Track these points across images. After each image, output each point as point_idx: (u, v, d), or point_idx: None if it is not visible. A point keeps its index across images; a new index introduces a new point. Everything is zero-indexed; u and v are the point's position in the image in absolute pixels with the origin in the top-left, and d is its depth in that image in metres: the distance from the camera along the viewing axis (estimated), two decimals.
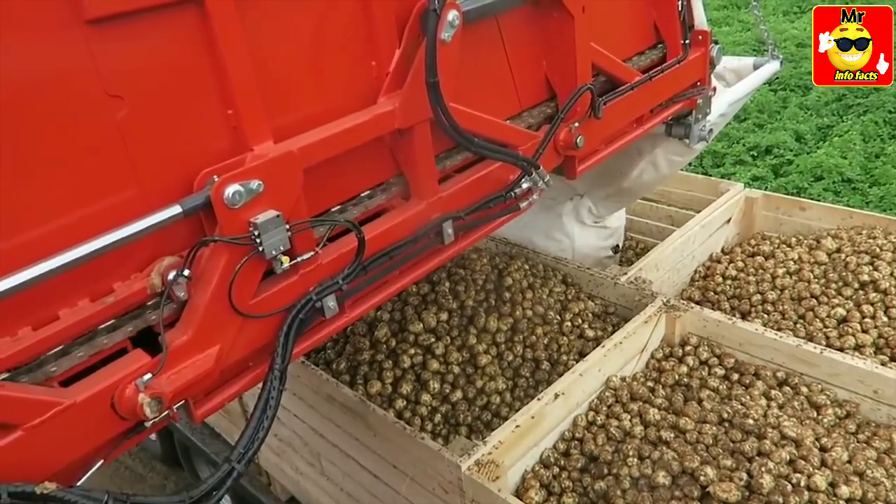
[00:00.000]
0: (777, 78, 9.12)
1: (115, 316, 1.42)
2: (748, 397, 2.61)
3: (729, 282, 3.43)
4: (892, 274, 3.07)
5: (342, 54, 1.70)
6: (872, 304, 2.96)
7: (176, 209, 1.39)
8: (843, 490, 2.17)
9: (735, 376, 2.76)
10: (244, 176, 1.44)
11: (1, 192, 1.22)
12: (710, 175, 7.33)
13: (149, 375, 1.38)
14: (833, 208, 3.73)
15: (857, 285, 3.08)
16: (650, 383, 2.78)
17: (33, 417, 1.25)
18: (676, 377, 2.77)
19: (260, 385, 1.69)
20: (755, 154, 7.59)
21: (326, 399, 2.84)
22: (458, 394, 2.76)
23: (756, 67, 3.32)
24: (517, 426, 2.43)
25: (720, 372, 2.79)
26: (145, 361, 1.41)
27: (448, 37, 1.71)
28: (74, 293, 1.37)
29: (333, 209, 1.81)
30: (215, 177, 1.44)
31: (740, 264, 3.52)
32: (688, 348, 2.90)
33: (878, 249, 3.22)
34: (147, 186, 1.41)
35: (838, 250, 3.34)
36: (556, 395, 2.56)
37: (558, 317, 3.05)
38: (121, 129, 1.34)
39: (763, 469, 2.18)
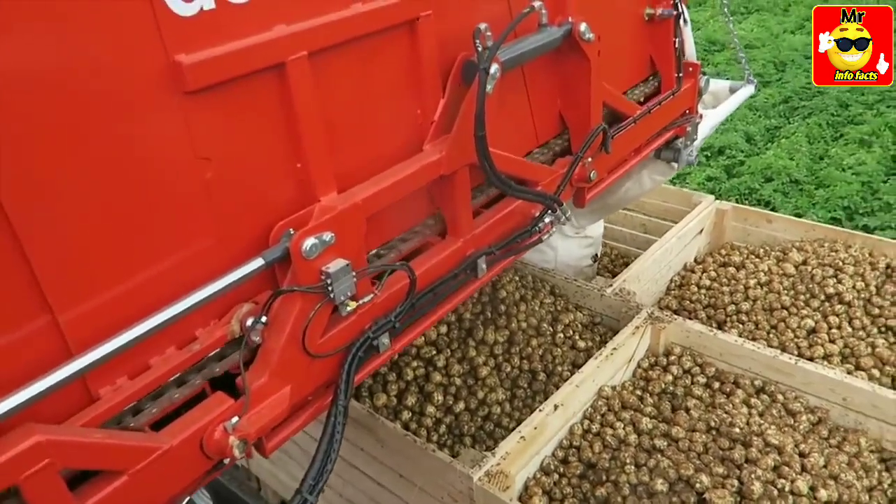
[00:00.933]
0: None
1: (198, 361, 1.50)
2: (731, 405, 2.82)
3: (703, 291, 3.65)
4: (854, 287, 3.34)
5: (393, 105, 1.80)
6: (838, 316, 3.22)
7: (259, 262, 1.48)
8: (822, 493, 2.39)
9: (716, 384, 2.97)
10: (319, 229, 1.53)
11: (107, 246, 1.31)
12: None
13: (236, 418, 1.47)
14: (797, 221, 3.98)
15: (823, 297, 3.34)
16: (638, 392, 2.96)
17: (137, 463, 1.33)
18: (662, 385, 2.96)
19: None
20: (708, 154, 7.90)
21: None
22: (461, 405, 2.89)
23: (732, 91, 3.52)
24: (522, 437, 2.58)
25: (702, 380, 2.99)
26: (230, 404, 1.49)
27: (490, 88, 1.82)
28: (163, 342, 1.45)
29: (379, 249, 1.91)
30: (291, 230, 1.53)
31: (713, 274, 3.74)
32: (672, 358, 3.09)
33: (840, 263, 3.48)
34: (224, 238, 1.49)
35: (804, 262, 3.60)
36: (556, 406, 2.72)
37: (551, 328, 3.21)
38: (207, 187, 1.42)
39: (753, 476, 2.39)
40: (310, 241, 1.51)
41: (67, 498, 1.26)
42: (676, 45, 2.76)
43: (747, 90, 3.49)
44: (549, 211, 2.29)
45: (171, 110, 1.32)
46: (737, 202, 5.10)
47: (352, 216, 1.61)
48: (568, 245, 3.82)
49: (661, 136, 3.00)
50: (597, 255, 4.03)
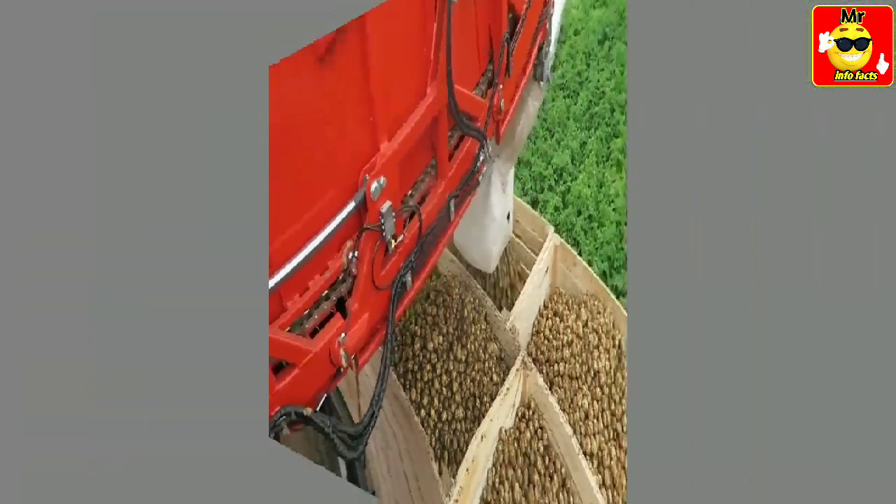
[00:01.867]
0: None
1: (330, 286, 1.81)
2: None
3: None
4: None
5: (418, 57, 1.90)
6: None
7: (351, 205, 1.74)
8: None
9: None
10: (378, 174, 1.77)
11: (290, 199, 1.58)
12: None
13: (344, 334, 1.82)
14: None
15: None
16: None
17: (304, 358, 1.71)
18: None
19: None
20: None
21: None
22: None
23: None
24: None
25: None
26: (342, 323, 1.83)
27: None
28: (314, 269, 1.75)
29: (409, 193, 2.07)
30: (366, 175, 1.76)
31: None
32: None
33: None
34: (339, 186, 1.73)
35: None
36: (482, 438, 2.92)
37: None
38: (327, 146, 1.66)
39: None
40: (375, 184, 1.76)
41: (271, 379, 1.64)
42: None
43: None
44: (481, 149, 2.31)
45: (314, 77, 1.52)
46: None
47: (394, 160, 1.83)
48: (501, 201, 3.50)
49: (535, 45, 2.76)
50: (510, 213, 3.83)
